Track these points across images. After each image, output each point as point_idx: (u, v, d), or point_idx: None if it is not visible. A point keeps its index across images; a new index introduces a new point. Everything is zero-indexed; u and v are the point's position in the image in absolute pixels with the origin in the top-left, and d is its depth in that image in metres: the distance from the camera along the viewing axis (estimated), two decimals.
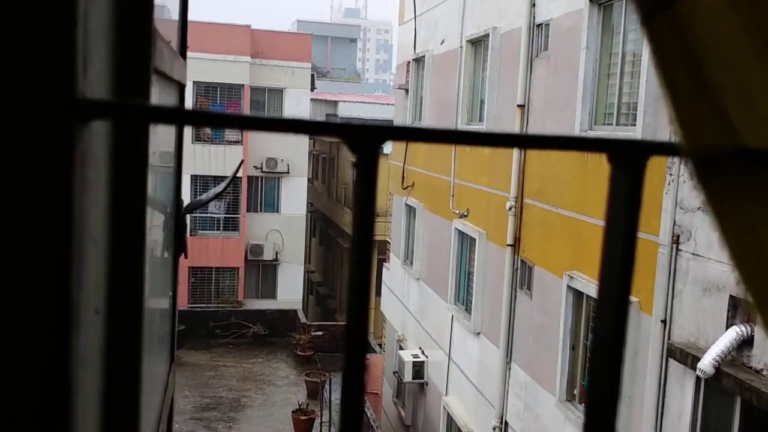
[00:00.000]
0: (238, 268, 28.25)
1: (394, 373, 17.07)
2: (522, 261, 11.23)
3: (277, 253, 28.71)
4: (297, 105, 28.50)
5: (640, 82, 8.14)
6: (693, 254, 7.20)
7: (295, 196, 29.17)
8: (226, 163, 26.64)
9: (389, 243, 19.12)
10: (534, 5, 10.93)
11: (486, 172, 12.60)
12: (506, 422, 11.65)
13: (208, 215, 27.88)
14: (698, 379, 6.90)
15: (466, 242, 13.72)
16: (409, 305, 17.07)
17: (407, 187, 16.84)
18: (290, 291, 29.11)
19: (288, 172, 28.66)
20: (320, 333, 25.15)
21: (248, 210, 28.42)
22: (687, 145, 0.55)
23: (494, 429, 11.81)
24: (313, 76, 30.05)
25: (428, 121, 15.79)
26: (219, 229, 28.20)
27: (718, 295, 6.80)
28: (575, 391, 9.73)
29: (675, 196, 7.43)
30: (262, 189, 28.95)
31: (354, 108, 36.76)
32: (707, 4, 0.51)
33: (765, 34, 0.50)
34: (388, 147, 18.07)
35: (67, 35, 0.58)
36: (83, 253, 0.69)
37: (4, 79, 0.55)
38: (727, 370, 6.42)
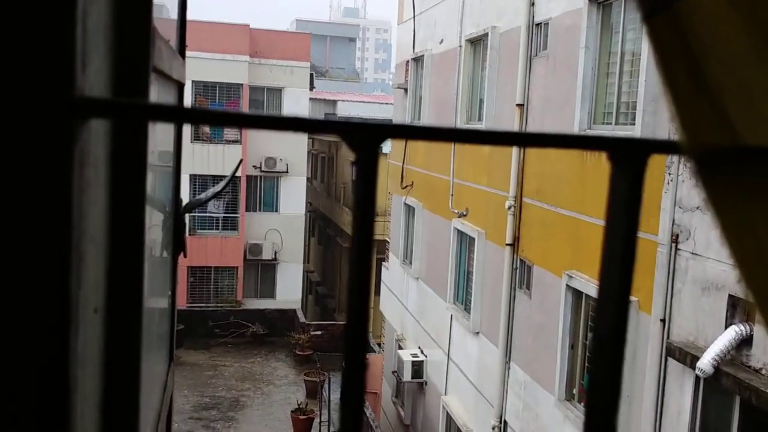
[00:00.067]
0: (237, 267, 28.25)
1: (393, 372, 17.07)
2: (521, 260, 11.23)
3: (276, 253, 28.71)
4: (296, 104, 28.50)
5: (639, 81, 8.14)
6: (692, 253, 7.21)
7: (294, 196, 29.17)
8: (224, 163, 26.63)
9: (388, 242, 19.12)
10: (533, 4, 10.93)
11: (485, 172, 12.61)
12: (505, 421, 11.66)
13: (207, 215, 27.87)
14: (697, 378, 6.91)
15: (465, 242, 13.73)
16: (408, 305, 17.07)
17: (406, 186, 16.84)
18: (289, 290, 29.12)
19: (287, 172, 28.66)
20: (319, 332, 25.15)
21: (247, 209, 28.43)
22: (687, 144, 0.55)
23: (493, 428, 11.81)
24: (311, 75, 30.05)
25: (427, 121, 15.79)
26: (218, 229, 28.20)
27: (717, 294, 6.81)
28: (574, 391, 9.73)
29: (674, 195, 7.43)
30: (261, 188, 28.94)
31: (353, 107, 36.76)
32: (707, 3, 0.51)
33: (765, 34, 0.50)
34: (387, 146, 18.07)
35: (66, 33, 0.57)
36: (82, 253, 0.68)
37: (3, 77, 0.55)
38: (727, 370, 6.42)
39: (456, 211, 13.68)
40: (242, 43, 27.65)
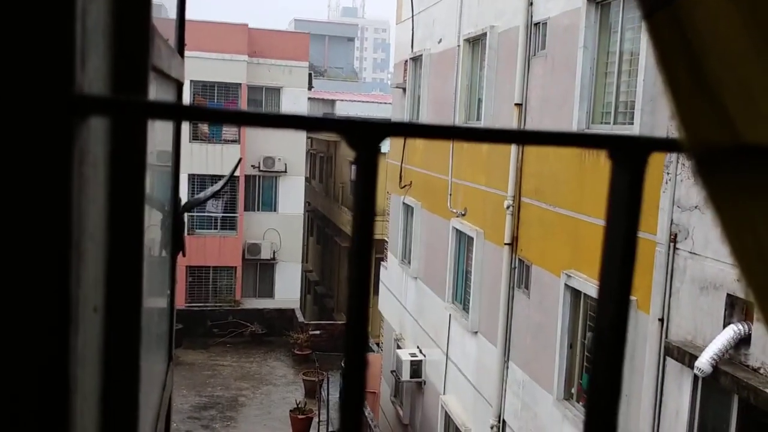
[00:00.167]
0: (236, 267, 28.24)
1: (392, 372, 17.07)
2: (520, 260, 11.23)
3: (274, 252, 28.70)
4: (294, 104, 28.49)
5: (638, 80, 8.15)
6: (690, 253, 7.21)
7: (292, 195, 29.17)
8: (223, 162, 26.63)
9: (387, 242, 19.12)
10: (531, 4, 10.93)
11: (484, 171, 12.61)
12: (504, 421, 11.66)
13: (206, 214, 27.86)
14: (696, 377, 6.91)
15: (463, 241, 13.73)
16: (407, 304, 17.07)
17: (405, 186, 16.84)
18: (288, 290, 29.11)
19: (285, 171, 28.65)
20: (318, 332, 25.15)
21: (246, 209, 28.42)
22: (688, 142, 0.54)
23: (492, 428, 11.82)
24: (310, 75, 30.04)
25: (426, 120, 15.79)
26: (216, 228, 28.19)
27: (716, 293, 6.81)
28: (573, 390, 9.74)
29: (672, 194, 7.44)
30: (259, 188, 28.94)
31: (351, 107, 36.76)
32: (707, 1, 0.51)
33: (765, 32, 0.50)
34: (385, 146, 18.06)
35: (65, 31, 0.57)
36: (82, 251, 0.68)
37: (2, 75, 0.55)
38: (725, 369, 6.43)
39: (454, 210, 13.69)
40: (241, 43, 27.64)
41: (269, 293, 29.10)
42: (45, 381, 0.60)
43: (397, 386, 17.34)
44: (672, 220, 7.45)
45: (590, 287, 8.87)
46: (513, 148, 11.12)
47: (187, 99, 23.79)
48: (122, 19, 0.93)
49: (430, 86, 15.84)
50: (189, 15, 2.96)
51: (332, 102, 37.29)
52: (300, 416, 19.29)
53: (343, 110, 36.16)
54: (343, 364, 0.50)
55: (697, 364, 6.59)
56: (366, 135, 0.49)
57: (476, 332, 12.84)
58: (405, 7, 17.63)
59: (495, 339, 11.86)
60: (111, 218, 0.94)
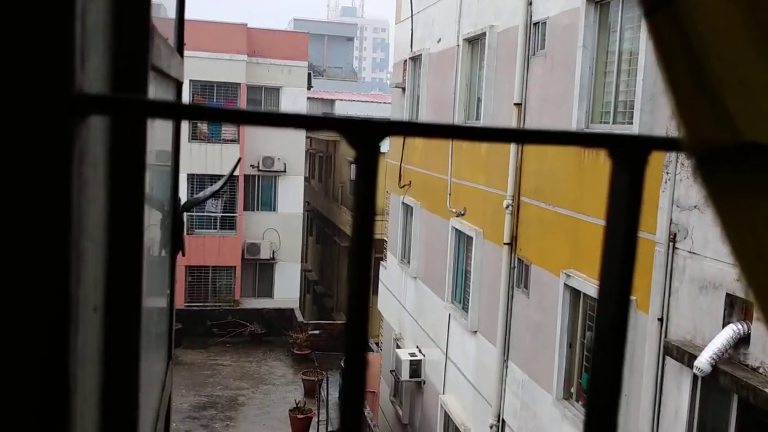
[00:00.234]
0: (235, 266, 28.24)
1: (392, 371, 17.07)
2: (519, 259, 11.24)
3: (273, 252, 28.70)
4: (294, 104, 28.48)
5: (637, 80, 8.15)
6: (690, 252, 7.21)
7: (291, 195, 29.17)
8: (222, 162, 26.62)
9: (386, 242, 19.12)
10: (531, 4, 10.93)
11: (483, 171, 12.61)
12: (503, 420, 11.66)
13: (205, 214, 27.86)
14: (695, 377, 6.91)
15: (463, 241, 13.73)
16: (406, 304, 17.07)
17: (404, 185, 16.84)
18: (287, 290, 29.11)
19: (285, 171, 28.65)
20: (317, 332, 25.15)
21: (245, 209, 28.42)
22: (688, 141, 0.54)
23: (491, 427, 11.82)
24: (309, 74, 30.03)
25: (425, 120, 15.76)
26: (216, 228, 28.18)
27: (715, 293, 6.81)
28: (572, 390, 9.74)
29: (672, 194, 7.44)
30: (258, 188, 28.94)
31: (351, 107, 36.75)
32: (708, 1, 0.51)
33: (765, 31, 0.50)
34: (384, 146, 18.05)
35: (65, 30, 0.57)
36: (81, 251, 0.68)
37: (1, 73, 0.55)
38: (724, 368, 6.43)
39: (454, 210, 13.69)
40: (240, 43, 27.64)
41: (268, 293, 29.10)
42: (45, 381, 0.60)
43: (396, 386, 17.34)
44: (671, 219, 7.45)
45: (589, 287, 8.88)
46: (512, 147, 11.12)
47: (186, 98, 23.78)
48: (122, 18, 0.93)
49: (429, 86, 15.84)
50: (188, 15, 2.96)
51: (331, 102, 37.29)
52: (299, 416, 19.28)
53: (342, 110, 36.16)
54: (342, 364, 0.50)
55: (696, 363, 6.59)
56: (366, 134, 0.49)
57: (475, 332, 12.84)
58: (404, 7, 17.63)
59: (494, 338, 11.87)
60: (111, 218, 0.94)
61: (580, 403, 9.52)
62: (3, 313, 0.58)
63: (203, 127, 27.21)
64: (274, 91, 28.80)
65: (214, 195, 23.04)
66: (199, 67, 25.48)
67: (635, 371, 7.85)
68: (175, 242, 2.48)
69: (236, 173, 26.56)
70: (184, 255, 2.68)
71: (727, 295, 6.66)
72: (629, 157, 0.53)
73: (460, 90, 13.75)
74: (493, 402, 11.79)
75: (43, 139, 0.56)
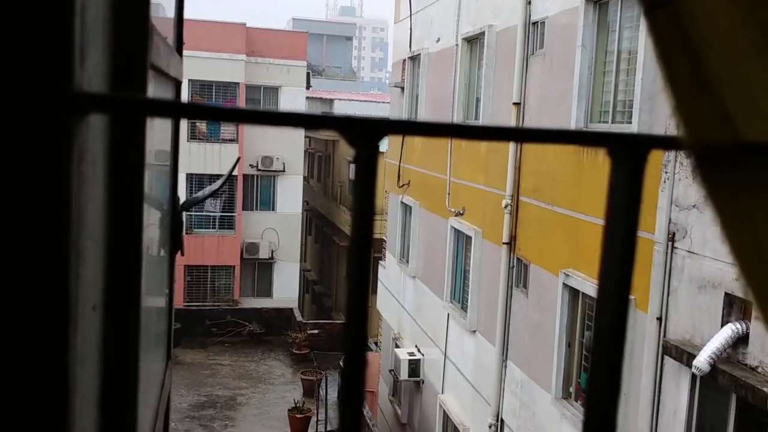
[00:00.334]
0: (234, 266, 28.23)
1: (390, 371, 17.07)
2: (518, 259, 11.24)
3: (272, 252, 28.69)
4: (292, 103, 28.48)
5: (636, 79, 8.15)
6: (688, 252, 7.22)
7: (290, 195, 29.16)
8: (221, 162, 26.61)
9: (385, 241, 19.12)
10: (529, 3, 10.93)
11: (482, 170, 12.61)
12: (502, 420, 11.66)
13: (204, 214, 27.85)
14: (694, 376, 6.92)
15: (461, 240, 13.73)
16: (405, 303, 17.08)
17: (403, 185, 16.84)
18: (286, 289, 29.10)
19: (284, 171, 28.65)
20: (316, 331, 25.14)
21: (244, 208, 28.41)
22: (687, 139, 0.54)
23: (490, 427, 11.82)
24: (308, 74, 30.02)
25: (424, 119, 15.76)
26: (215, 228, 28.18)
27: (714, 292, 6.82)
28: (571, 389, 9.74)
29: (671, 193, 7.44)
30: (257, 187, 28.93)
31: (349, 106, 36.74)
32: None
33: (765, 31, 0.49)
34: (383, 145, 18.06)
35: (64, 27, 0.57)
36: (81, 250, 0.68)
37: (0, 71, 0.55)
38: (723, 368, 6.44)
39: (453, 209, 13.69)
40: (239, 42, 27.63)
41: (267, 292, 29.10)
42: (44, 380, 0.60)
43: (395, 385, 17.34)
44: (670, 219, 7.45)
45: (588, 286, 8.88)
46: (511, 147, 11.12)
47: (185, 98, 23.77)
48: (121, 15, 0.92)
49: (428, 85, 15.84)
50: (187, 14, 2.95)
51: (330, 101, 37.27)
52: (298, 415, 19.28)
53: (341, 109, 36.14)
54: (341, 364, 0.50)
55: (695, 363, 6.60)
56: (365, 132, 0.49)
57: (474, 331, 12.84)
58: (403, 6, 17.62)
59: (493, 338, 11.87)
60: (110, 216, 0.94)
61: (578, 402, 9.53)
62: (2, 311, 0.58)
63: (202, 126, 27.21)
64: (273, 91, 28.80)
65: (213, 194, 23.03)
66: (198, 66, 25.47)
67: (634, 370, 7.86)
68: (174, 242, 2.48)
69: (235, 173, 26.55)
70: (183, 254, 2.68)
71: (726, 294, 6.67)
72: (628, 155, 0.53)
73: (459, 89, 13.75)
74: (492, 401, 11.80)
75: (43, 137, 0.56)
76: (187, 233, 25.44)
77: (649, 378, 7.68)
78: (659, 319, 7.56)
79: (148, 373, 1.61)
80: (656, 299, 7.61)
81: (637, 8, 7.85)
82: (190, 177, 26.05)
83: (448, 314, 14.02)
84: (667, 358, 7.38)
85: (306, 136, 31.28)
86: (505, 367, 11.57)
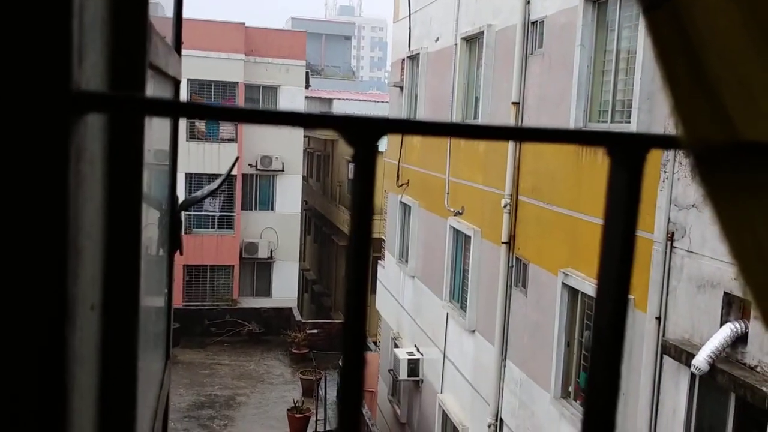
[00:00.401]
0: (233, 266, 28.23)
1: (390, 370, 17.07)
2: (517, 258, 11.24)
3: (271, 251, 28.69)
4: (291, 103, 28.47)
5: (635, 78, 8.15)
6: (687, 251, 7.22)
7: (289, 194, 29.16)
8: (220, 161, 26.61)
9: (384, 241, 19.12)
10: (528, 2, 10.93)
11: (481, 170, 12.61)
12: (501, 419, 11.67)
13: (203, 213, 27.84)
14: (693, 375, 6.92)
15: (461, 240, 13.73)
16: (404, 303, 17.08)
17: (402, 184, 16.84)
18: (285, 289, 29.10)
19: (283, 170, 28.64)
20: (315, 331, 25.14)
21: (243, 208, 28.40)
22: (686, 139, 0.54)
23: (489, 426, 11.83)
24: (307, 73, 30.02)
25: (423, 119, 15.76)
26: (214, 227, 28.17)
27: (713, 292, 6.82)
28: (570, 388, 9.75)
29: (669, 193, 7.44)
30: (256, 187, 28.92)
31: (348, 106, 36.76)
32: None
33: (765, 31, 0.49)
34: (382, 145, 18.05)
35: (62, 27, 0.57)
36: (79, 249, 0.68)
37: None
38: (722, 367, 6.44)
39: (452, 209, 13.69)
40: (238, 42, 27.62)
41: (266, 292, 29.09)
42: (44, 380, 0.60)
43: (394, 385, 17.35)
44: (669, 218, 7.45)
45: (587, 286, 8.88)
46: (510, 146, 11.12)
47: (184, 97, 23.75)
48: (120, 15, 0.92)
49: (427, 85, 15.84)
50: (186, 14, 2.95)
51: (329, 101, 37.29)
52: (297, 415, 19.28)
53: (340, 109, 36.15)
54: (340, 363, 0.50)
55: (694, 362, 6.60)
56: (364, 132, 0.49)
57: (473, 331, 12.85)
58: (402, 6, 17.62)
59: (492, 338, 11.87)
60: (108, 216, 0.94)
61: (578, 402, 9.53)
62: (1, 311, 0.58)
63: (201, 126, 27.21)
64: (272, 90, 28.79)
65: (212, 194, 23.03)
66: (196, 66, 25.46)
67: (633, 370, 7.86)
68: (172, 241, 2.48)
69: (234, 172, 26.54)
70: (182, 254, 2.67)
71: (725, 294, 6.67)
72: (627, 155, 0.53)
73: (458, 89, 13.75)
74: (491, 401, 11.80)
75: (41, 136, 0.56)
76: (186, 233, 25.44)
77: (648, 377, 7.68)
78: (658, 318, 7.56)
79: (146, 373, 1.61)
80: (655, 299, 7.61)
81: (636, 7, 7.84)
82: (189, 176, 26.04)
83: (447, 314, 14.02)
84: (666, 358, 7.39)
85: (305, 136, 31.27)
86: (504, 366, 11.57)
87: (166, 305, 2.53)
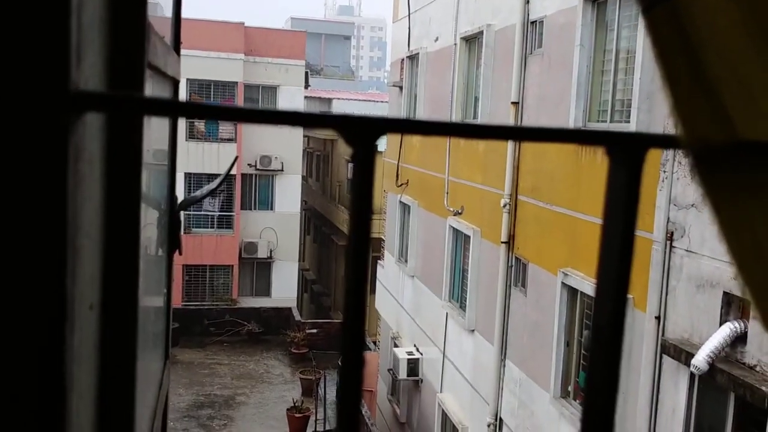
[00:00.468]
0: (233, 265, 28.23)
1: (389, 370, 17.07)
2: (516, 258, 11.24)
3: (271, 251, 28.69)
4: (291, 102, 28.48)
5: (634, 78, 8.16)
6: (687, 251, 7.22)
7: (289, 194, 29.16)
8: (219, 161, 26.61)
9: (383, 240, 19.12)
10: (528, 2, 10.93)
11: (480, 170, 12.61)
12: (501, 419, 11.67)
13: (203, 213, 27.85)
14: (692, 375, 6.92)
15: (460, 240, 13.73)
16: (404, 303, 17.08)
17: (402, 184, 16.84)
18: (285, 289, 29.10)
19: (282, 170, 28.64)
20: (315, 331, 25.14)
21: (242, 208, 28.41)
22: (686, 138, 0.54)
23: (489, 426, 11.83)
24: (307, 73, 30.02)
25: (422, 118, 15.75)
26: (213, 227, 28.18)
27: (712, 291, 6.82)
28: (570, 388, 9.75)
29: (669, 192, 7.45)
30: (256, 187, 28.92)
31: (348, 105, 36.77)
32: None
33: (765, 31, 0.49)
34: (382, 144, 18.06)
35: (61, 26, 0.57)
36: (77, 249, 0.68)
37: None
38: (721, 367, 6.44)
39: (451, 209, 13.69)
40: (237, 41, 27.62)
41: (266, 292, 29.09)
42: (42, 379, 0.60)
43: (394, 384, 17.35)
44: (668, 218, 7.46)
45: (587, 285, 8.88)
46: (509, 146, 11.12)
47: (183, 97, 23.74)
48: (118, 14, 0.92)
49: (426, 84, 15.84)
50: (185, 13, 2.95)
51: (329, 101, 37.30)
52: (297, 415, 19.28)
53: (339, 109, 36.17)
54: (340, 363, 0.50)
55: (693, 362, 6.60)
56: (363, 131, 0.49)
57: (473, 330, 12.85)
58: (402, 6, 17.62)
59: (492, 337, 11.87)
60: (107, 215, 0.94)
61: (577, 401, 9.53)
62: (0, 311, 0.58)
63: (200, 125, 27.21)
64: (272, 90, 28.80)
65: (211, 194, 23.02)
66: (196, 65, 25.46)
67: (632, 369, 7.86)
68: (172, 241, 2.48)
69: (233, 172, 26.55)
70: (181, 254, 2.67)
71: (724, 293, 6.67)
72: (627, 154, 0.53)
73: (458, 89, 13.75)
74: (491, 400, 11.80)
75: (39, 136, 0.56)
76: (185, 232, 25.44)
77: (648, 377, 7.68)
78: (658, 318, 7.57)
79: (145, 373, 1.61)
80: (654, 298, 7.62)
81: (635, 7, 7.84)
82: (188, 176, 26.04)
83: (447, 313, 14.02)
84: (665, 357, 7.39)
85: (304, 136, 31.27)
86: (504, 366, 11.57)
87: (165, 305, 2.53)
